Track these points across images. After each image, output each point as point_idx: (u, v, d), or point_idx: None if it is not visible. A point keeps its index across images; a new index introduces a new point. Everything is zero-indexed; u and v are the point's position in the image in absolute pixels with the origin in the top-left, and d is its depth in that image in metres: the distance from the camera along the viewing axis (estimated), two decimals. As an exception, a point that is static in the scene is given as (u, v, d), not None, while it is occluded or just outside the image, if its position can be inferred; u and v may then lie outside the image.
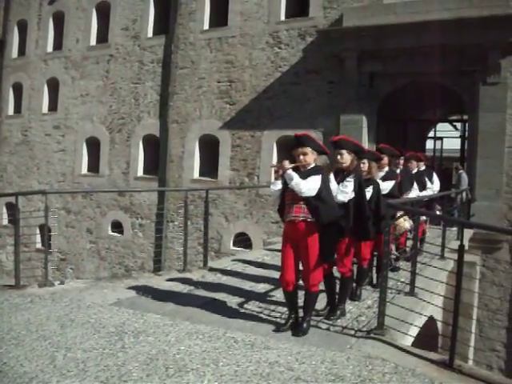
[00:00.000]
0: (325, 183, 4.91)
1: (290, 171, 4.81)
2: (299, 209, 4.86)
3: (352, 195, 5.34)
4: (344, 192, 5.27)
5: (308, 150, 4.94)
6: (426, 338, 6.92)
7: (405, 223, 7.54)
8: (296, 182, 4.77)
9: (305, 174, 4.88)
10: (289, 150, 5.15)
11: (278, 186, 5.02)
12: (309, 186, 4.78)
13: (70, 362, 4.14)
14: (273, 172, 5.11)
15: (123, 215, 18.38)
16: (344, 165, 5.45)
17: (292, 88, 15.02)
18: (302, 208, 4.86)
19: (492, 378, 4.26)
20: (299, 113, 14.79)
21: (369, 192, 6.05)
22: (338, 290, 5.63)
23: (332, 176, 5.28)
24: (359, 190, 5.43)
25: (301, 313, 5.12)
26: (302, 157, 4.95)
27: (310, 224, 4.85)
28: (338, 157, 5.45)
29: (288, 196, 4.95)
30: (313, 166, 4.99)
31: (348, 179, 5.33)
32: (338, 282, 5.69)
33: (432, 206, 9.81)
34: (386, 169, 7.49)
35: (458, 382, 4.05)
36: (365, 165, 6.25)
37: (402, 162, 8.65)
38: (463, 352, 9.48)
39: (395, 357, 4.49)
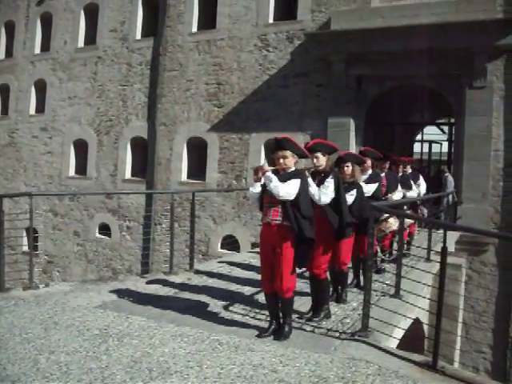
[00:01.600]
0: (303, 188, 4.87)
1: (269, 173, 4.79)
2: (276, 212, 4.83)
3: (333, 195, 5.36)
4: (326, 194, 5.28)
5: (288, 153, 4.90)
6: (413, 340, 6.95)
7: (394, 223, 7.54)
8: (275, 184, 4.73)
9: (284, 177, 4.84)
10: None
11: (257, 188, 4.99)
12: (287, 190, 4.74)
13: (53, 364, 4.12)
14: (252, 174, 5.09)
15: (111, 218, 18.31)
16: (320, 167, 5.49)
17: (280, 91, 15.06)
18: (278, 211, 4.83)
19: (475, 379, 4.28)
20: (287, 116, 14.82)
21: (352, 195, 6.09)
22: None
23: (310, 180, 5.26)
24: (338, 189, 5.44)
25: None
26: (281, 160, 4.91)
27: (285, 228, 4.80)
28: (315, 160, 5.49)
29: (266, 199, 4.92)
30: (293, 169, 4.96)
31: (328, 180, 5.35)
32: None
33: (417, 209, 9.87)
34: (370, 171, 7.53)
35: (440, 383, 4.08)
36: (348, 168, 6.29)
37: (387, 165, 8.68)
38: (449, 354, 9.54)
39: (379, 358, 4.50)
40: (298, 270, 5.08)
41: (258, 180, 4.91)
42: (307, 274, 5.75)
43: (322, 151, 5.52)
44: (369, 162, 7.49)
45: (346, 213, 5.55)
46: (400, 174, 9.55)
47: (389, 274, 7.43)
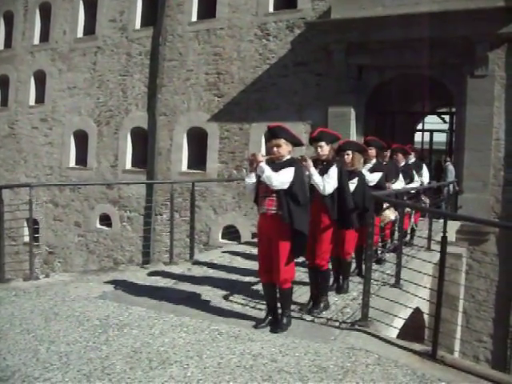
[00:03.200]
0: (298, 176, 4.81)
1: (262, 164, 4.72)
2: (271, 202, 4.77)
3: (336, 185, 5.34)
4: (330, 183, 5.27)
5: (282, 141, 4.84)
6: (413, 329, 6.97)
7: (390, 214, 7.56)
8: (267, 174, 4.67)
9: (278, 166, 4.79)
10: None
11: (253, 178, 4.94)
12: (281, 180, 4.69)
13: (53, 355, 4.13)
14: (248, 164, 5.06)
15: (111, 208, 18.30)
16: (324, 156, 5.46)
17: (280, 80, 14.99)
18: (273, 201, 4.76)
19: (474, 368, 4.28)
20: (287, 105, 14.76)
21: (353, 184, 6.07)
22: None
23: (313, 170, 5.22)
24: (341, 178, 5.43)
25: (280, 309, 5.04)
26: (275, 149, 4.86)
27: (280, 217, 4.73)
28: (318, 149, 5.46)
29: (261, 189, 4.86)
30: (287, 158, 4.90)
31: (331, 169, 5.33)
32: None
33: (419, 199, 9.81)
34: (374, 161, 7.51)
35: (440, 373, 4.08)
36: (349, 156, 6.26)
37: (387, 154, 8.63)
38: (450, 344, 9.56)
39: (378, 348, 4.51)
40: (296, 260, 5.08)
41: (254, 170, 4.86)
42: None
43: (326, 140, 5.49)
44: (373, 151, 7.47)
45: (349, 202, 5.54)
46: (402, 164, 9.44)
47: (389, 264, 7.42)
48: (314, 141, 5.50)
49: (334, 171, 5.34)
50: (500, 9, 11.94)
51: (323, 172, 5.34)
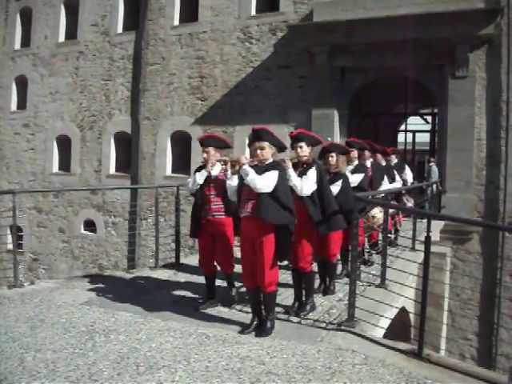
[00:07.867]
0: (282, 179, 4.77)
1: (245, 166, 4.69)
2: (254, 205, 4.72)
3: (314, 187, 5.34)
4: (308, 185, 5.25)
5: (265, 144, 4.81)
6: (399, 329, 7.00)
7: (379, 217, 7.54)
8: (251, 177, 4.62)
9: (261, 169, 4.75)
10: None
11: (235, 181, 4.94)
12: (264, 183, 4.64)
13: (39, 362, 4.10)
14: (229, 167, 5.04)
15: (96, 213, 18.20)
16: (304, 158, 5.44)
17: (264, 83, 15.03)
18: (256, 204, 4.70)
19: (459, 365, 4.33)
20: (271, 108, 14.81)
21: (338, 186, 6.07)
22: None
23: (291, 171, 5.18)
24: (321, 180, 5.41)
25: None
26: (258, 151, 4.83)
27: (264, 221, 4.67)
28: (298, 150, 5.41)
29: (244, 192, 4.82)
30: (270, 161, 4.86)
31: (310, 171, 5.30)
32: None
33: (401, 199, 9.87)
34: (356, 162, 7.55)
35: (426, 371, 4.11)
36: (333, 158, 6.27)
37: (368, 155, 8.63)
38: (435, 342, 9.62)
39: (365, 348, 4.53)
40: (282, 263, 5.07)
41: (236, 173, 4.84)
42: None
43: (306, 141, 5.46)
44: (355, 153, 7.51)
45: (331, 205, 5.50)
46: (383, 164, 9.48)
47: (374, 264, 7.47)
48: (294, 141, 5.48)
49: (312, 173, 5.29)
50: (480, 10, 12.13)
51: (302, 174, 5.30)
